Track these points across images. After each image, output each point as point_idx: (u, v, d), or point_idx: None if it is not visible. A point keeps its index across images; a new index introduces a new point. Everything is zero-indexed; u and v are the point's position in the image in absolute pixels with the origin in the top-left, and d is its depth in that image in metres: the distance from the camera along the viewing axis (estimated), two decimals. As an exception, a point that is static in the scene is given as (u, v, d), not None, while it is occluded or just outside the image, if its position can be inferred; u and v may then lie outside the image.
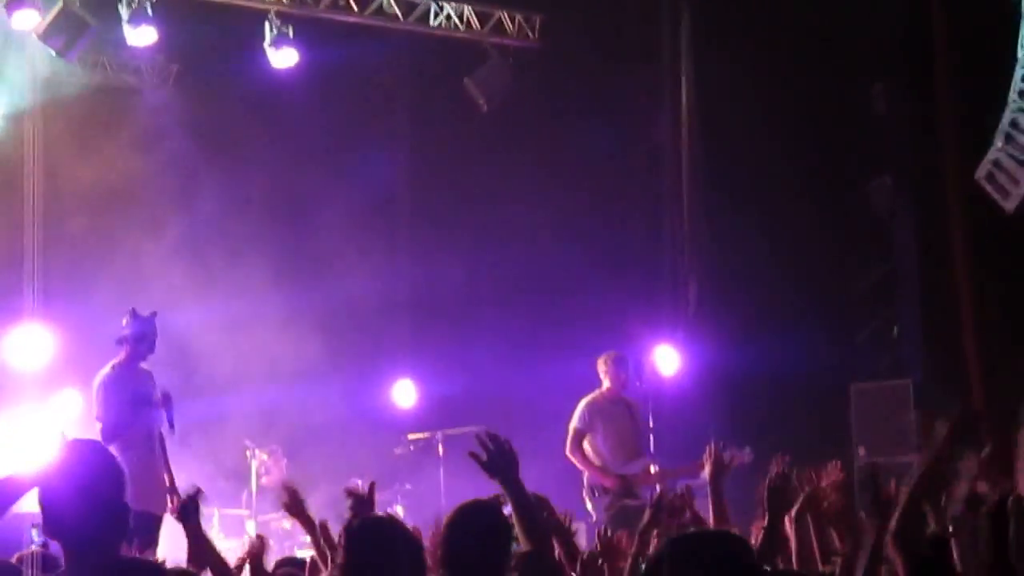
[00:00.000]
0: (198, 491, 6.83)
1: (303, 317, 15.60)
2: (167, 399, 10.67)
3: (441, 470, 14.79)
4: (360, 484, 7.17)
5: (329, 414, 15.34)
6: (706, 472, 7.49)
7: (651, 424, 14.05)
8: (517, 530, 5.37)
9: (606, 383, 12.68)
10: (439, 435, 14.93)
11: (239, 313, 14.60)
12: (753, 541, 8.41)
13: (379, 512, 7.08)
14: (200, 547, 6.66)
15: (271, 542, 7.44)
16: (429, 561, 5.80)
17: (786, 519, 6.18)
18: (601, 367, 12.72)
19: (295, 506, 7.42)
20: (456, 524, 5.18)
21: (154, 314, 10.89)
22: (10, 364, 13.76)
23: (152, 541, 9.75)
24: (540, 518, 5.50)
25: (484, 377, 15.23)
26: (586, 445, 12.51)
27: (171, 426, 10.72)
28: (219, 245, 15.05)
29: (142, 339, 10.76)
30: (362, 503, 7.06)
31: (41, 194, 14.55)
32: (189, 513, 6.74)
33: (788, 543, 6.20)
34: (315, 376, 15.34)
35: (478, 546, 5.10)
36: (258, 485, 13.91)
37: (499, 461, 5.32)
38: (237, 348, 14.56)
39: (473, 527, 5.19)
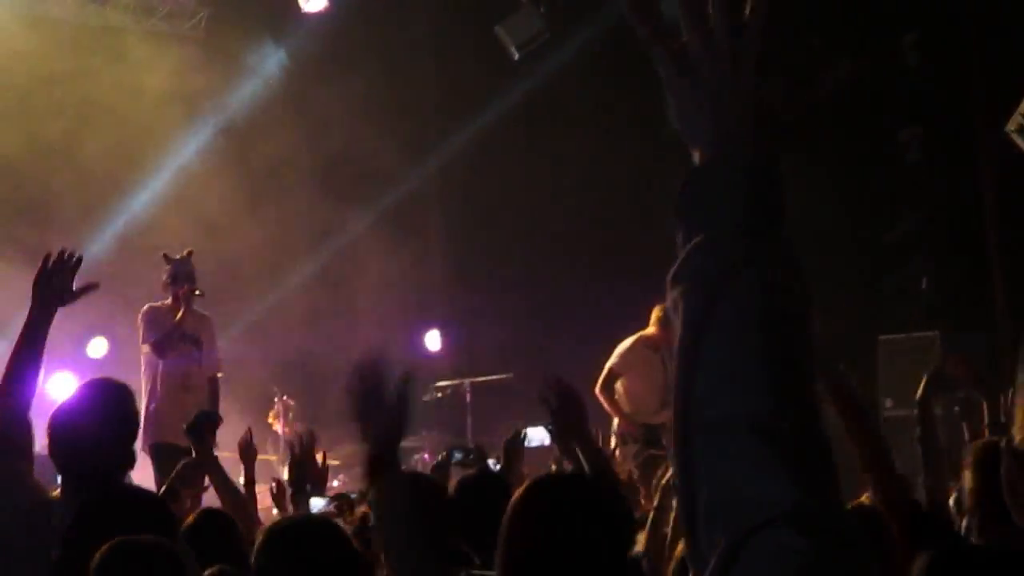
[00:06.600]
0: (213, 413, 6.66)
1: (332, 264, 15.63)
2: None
3: (468, 418, 14.84)
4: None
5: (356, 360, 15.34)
6: None
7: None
8: None
9: (651, 330, 12.27)
10: (467, 383, 14.98)
11: (267, 260, 14.63)
12: None
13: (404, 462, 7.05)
14: (210, 471, 6.44)
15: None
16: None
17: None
18: (656, 313, 12.15)
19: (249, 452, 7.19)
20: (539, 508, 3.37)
21: (190, 253, 11.03)
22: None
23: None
24: (613, 476, 5.15)
25: (512, 326, 15.24)
26: (618, 387, 12.23)
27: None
28: (247, 193, 15.06)
29: (174, 280, 10.92)
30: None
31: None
32: (198, 432, 6.53)
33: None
34: (344, 323, 15.38)
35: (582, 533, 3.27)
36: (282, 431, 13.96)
37: (566, 414, 5.11)
38: (264, 294, 14.59)
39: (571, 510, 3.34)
